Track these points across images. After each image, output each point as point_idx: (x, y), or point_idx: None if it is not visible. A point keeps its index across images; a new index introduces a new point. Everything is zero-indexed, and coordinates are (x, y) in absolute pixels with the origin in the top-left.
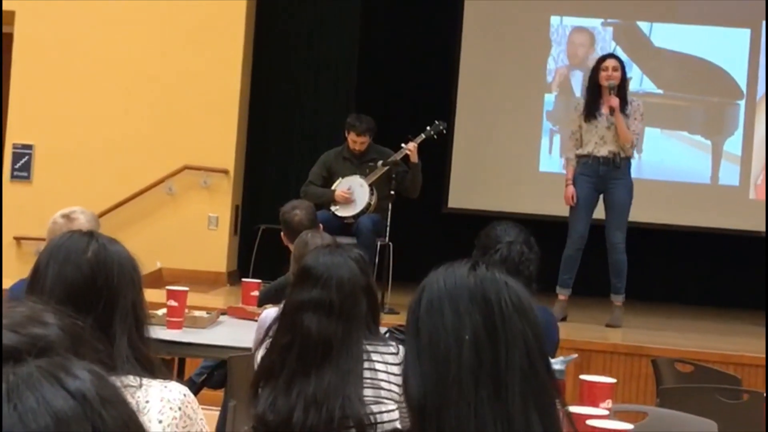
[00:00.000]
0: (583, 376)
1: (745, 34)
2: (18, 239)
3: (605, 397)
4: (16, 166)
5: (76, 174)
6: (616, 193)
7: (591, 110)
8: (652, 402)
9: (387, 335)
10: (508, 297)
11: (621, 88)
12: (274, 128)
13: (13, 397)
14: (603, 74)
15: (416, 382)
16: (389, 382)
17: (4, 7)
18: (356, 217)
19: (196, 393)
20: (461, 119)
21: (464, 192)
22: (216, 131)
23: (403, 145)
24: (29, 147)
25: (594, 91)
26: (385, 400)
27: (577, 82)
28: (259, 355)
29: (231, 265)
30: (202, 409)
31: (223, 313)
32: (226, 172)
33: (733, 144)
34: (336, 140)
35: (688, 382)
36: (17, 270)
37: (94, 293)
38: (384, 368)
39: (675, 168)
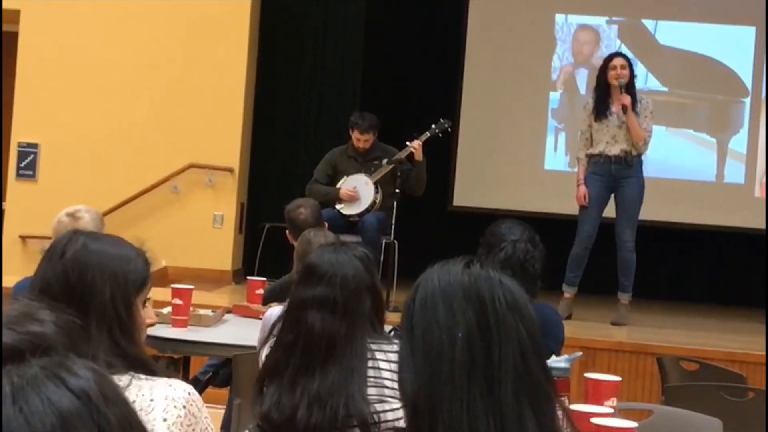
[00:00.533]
0: (587, 374)
1: (750, 31)
2: (23, 238)
3: (610, 395)
4: (22, 165)
5: (81, 172)
6: (627, 191)
7: (601, 109)
8: (657, 400)
9: (392, 333)
10: (502, 295)
11: (630, 86)
12: (279, 126)
13: (18, 399)
14: (612, 73)
15: (409, 378)
16: (393, 381)
17: (10, 6)
18: (361, 215)
19: (201, 391)
20: (466, 117)
21: (469, 190)
22: (221, 130)
23: (408, 143)
24: (34, 146)
25: (603, 90)
26: (389, 399)
27: (582, 80)
28: (264, 353)
29: (236, 263)
30: (207, 407)
31: (228, 312)
32: (231, 170)
33: (738, 142)
34: (341, 138)
35: (693, 380)
36: (23, 268)
37: (67, 291)
38: (388, 366)
39: (680, 166)
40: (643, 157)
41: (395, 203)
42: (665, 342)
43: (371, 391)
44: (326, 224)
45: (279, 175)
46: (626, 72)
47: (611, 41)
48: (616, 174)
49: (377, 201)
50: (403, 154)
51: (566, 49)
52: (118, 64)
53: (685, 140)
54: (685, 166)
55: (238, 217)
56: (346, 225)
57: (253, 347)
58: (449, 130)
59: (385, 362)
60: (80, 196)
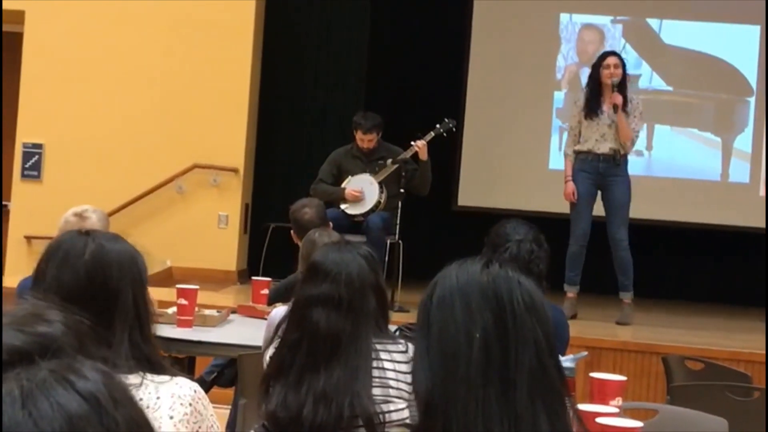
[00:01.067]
0: (593, 374)
1: (754, 30)
2: (28, 238)
3: (615, 395)
4: (27, 166)
5: (86, 173)
6: (615, 191)
7: (592, 107)
8: (663, 399)
9: (397, 333)
10: (520, 296)
11: (622, 86)
12: (283, 127)
13: (28, 403)
14: (605, 72)
15: (424, 376)
16: (398, 380)
17: (15, 7)
18: (366, 215)
19: (206, 391)
20: (471, 117)
21: (474, 190)
22: (226, 130)
23: (412, 142)
24: (39, 146)
25: (595, 88)
26: (395, 399)
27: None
28: (269, 353)
29: (241, 263)
30: (213, 407)
31: (233, 312)
32: (235, 170)
33: (743, 141)
34: (345, 139)
35: (699, 379)
36: (28, 269)
37: (91, 294)
38: (392, 366)
39: (685, 165)
40: (641, 157)
41: (400, 203)
42: (670, 341)
43: (376, 391)
44: (331, 224)
45: (283, 176)
46: (619, 71)
47: (616, 40)
48: (604, 172)
49: (382, 201)
50: (407, 154)
51: (571, 49)
52: (123, 64)
53: (690, 139)
54: (690, 165)
55: (242, 217)
56: (350, 225)
57: (258, 347)
58: (454, 129)
59: (389, 362)
60: (85, 196)
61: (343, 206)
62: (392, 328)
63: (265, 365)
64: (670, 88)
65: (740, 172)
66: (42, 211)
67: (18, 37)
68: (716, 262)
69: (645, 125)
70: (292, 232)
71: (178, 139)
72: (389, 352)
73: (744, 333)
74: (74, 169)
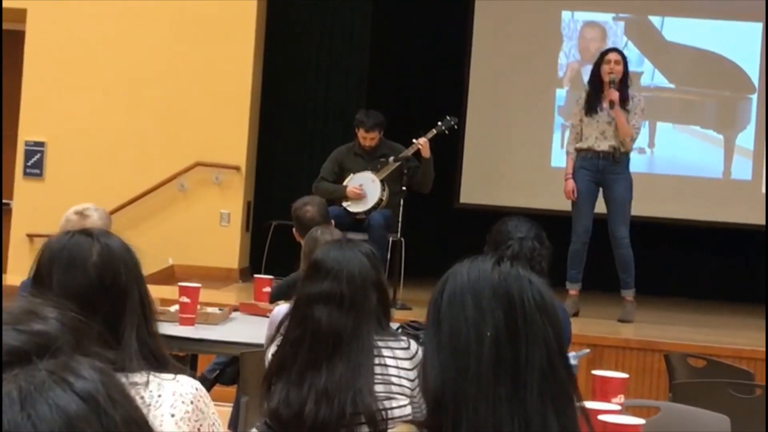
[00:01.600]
0: (595, 372)
1: (756, 28)
2: (30, 236)
3: (617, 392)
4: (29, 164)
5: (88, 171)
6: (616, 189)
7: (592, 104)
8: (665, 397)
9: (399, 331)
10: (531, 295)
11: (622, 83)
12: (285, 124)
13: (26, 405)
14: (605, 67)
15: (434, 373)
16: (400, 377)
17: (16, 5)
18: (368, 212)
19: (208, 389)
20: (473, 114)
21: (476, 187)
22: (228, 128)
23: (414, 140)
24: (41, 144)
25: (596, 86)
26: (397, 396)
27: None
28: (271, 351)
29: (243, 261)
30: (214, 405)
31: (236, 310)
32: (237, 168)
33: (746, 138)
34: (347, 136)
35: (701, 376)
36: (29, 267)
37: (102, 295)
38: (394, 363)
39: (687, 162)
40: (646, 154)
41: (402, 201)
42: (673, 339)
43: (378, 388)
44: (333, 222)
45: (285, 173)
46: (619, 68)
47: (618, 38)
48: (604, 169)
49: (384, 199)
50: (409, 152)
51: (573, 46)
52: (125, 62)
53: (692, 137)
54: (692, 162)
55: (244, 215)
56: (352, 223)
57: (260, 345)
58: (456, 127)
59: (392, 359)
60: (87, 194)
61: (345, 204)
62: (394, 325)
63: (267, 363)
64: (672, 86)
65: (742, 169)
66: (44, 210)
67: (20, 36)
68: (718, 259)
69: (647, 123)
70: (293, 229)
71: (180, 137)
72: (391, 348)
73: (746, 330)
74: (76, 167)
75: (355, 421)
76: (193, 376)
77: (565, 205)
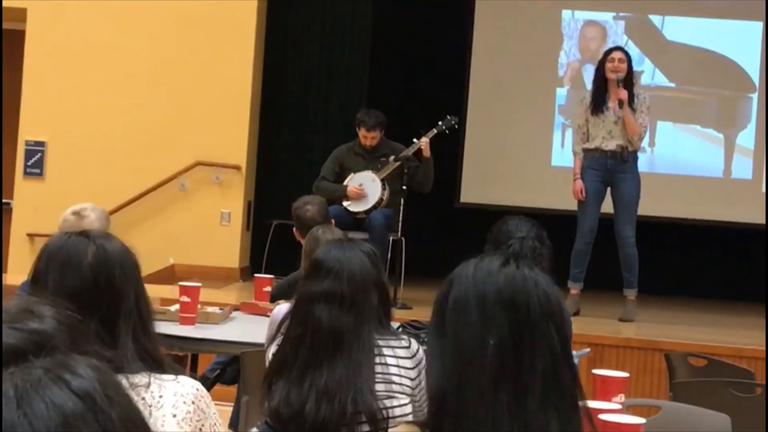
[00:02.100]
0: (595, 371)
1: (757, 27)
2: (31, 236)
3: (618, 392)
4: (29, 163)
5: (89, 170)
6: (624, 188)
7: (598, 104)
8: (666, 396)
9: (400, 330)
10: (537, 300)
11: (627, 81)
12: (286, 124)
13: (23, 403)
14: (609, 66)
15: (437, 377)
16: (401, 377)
17: (17, 5)
18: (368, 212)
19: (209, 389)
20: (473, 114)
21: (476, 187)
22: (228, 127)
23: (415, 140)
24: (42, 144)
25: (600, 85)
26: (397, 395)
27: (589, 76)
28: (272, 350)
29: (243, 260)
30: (215, 404)
31: (236, 309)
32: (238, 168)
33: (746, 137)
34: (348, 136)
35: (702, 376)
36: (30, 267)
37: (96, 296)
38: (395, 362)
39: (687, 162)
40: (644, 153)
41: (402, 200)
42: (673, 338)
43: (379, 387)
44: (333, 221)
45: (286, 173)
46: (624, 66)
47: (618, 37)
48: (612, 169)
49: (384, 198)
50: (410, 151)
51: (573, 45)
52: (125, 62)
53: (693, 136)
54: (693, 161)
55: (245, 214)
56: (353, 222)
57: (260, 344)
58: (456, 126)
59: (392, 358)
60: (88, 194)
61: (345, 203)
62: (395, 325)
63: (267, 362)
64: (672, 85)
65: (743, 168)
66: (44, 209)
67: (20, 35)
68: (719, 258)
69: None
70: (294, 229)
71: (181, 137)
72: (392, 348)
73: (747, 329)
74: (77, 167)
75: (356, 420)
76: (193, 377)
77: (566, 204)
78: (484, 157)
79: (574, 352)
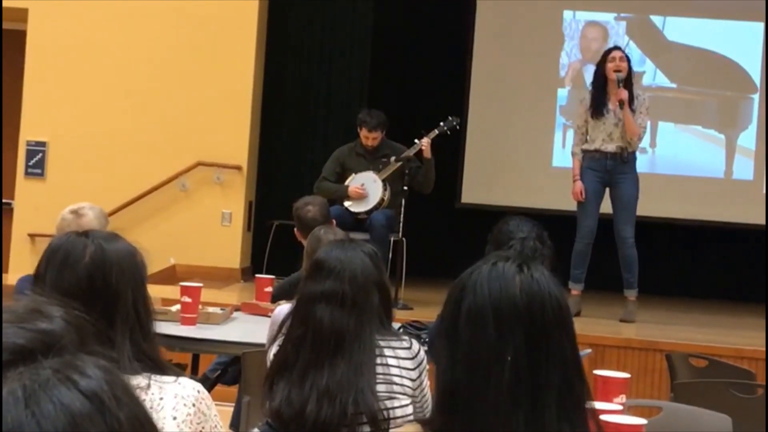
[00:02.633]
0: (596, 371)
1: (758, 27)
2: (32, 236)
3: (619, 392)
4: (30, 163)
5: (90, 171)
6: (623, 188)
7: (598, 106)
8: (667, 397)
9: (401, 330)
10: (551, 311)
11: (627, 81)
12: (287, 124)
13: (31, 403)
14: (610, 65)
15: (448, 388)
16: (402, 377)
17: (18, 5)
18: (369, 212)
19: (210, 389)
20: (474, 114)
21: (477, 187)
22: (229, 127)
23: (416, 140)
24: (43, 144)
25: (600, 86)
26: (399, 395)
27: (590, 77)
28: (273, 351)
29: (244, 261)
30: (216, 405)
31: (237, 309)
32: (239, 168)
33: (747, 138)
34: (349, 136)
35: (702, 376)
36: (31, 267)
37: (92, 296)
38: (396, 363)
39: (688, 162)
40: (645, 154)
41: (403, 201)
42: (674, 339)
43: (380, 387)
44: (334, 222)
45: (287, 173)
46: (625, 65)
47: (619, 38)
48: (612, 170)
49: (385, 198)
50: (411, 152)
51: (574, 46)
52: (126, 62)
53: (694, 137)
54: (694, 162)
55: (246, 214)
56: (354, 223)
57: (262, 345)
58: (457, 127)
59: (393, 359)
60: (89, 194)
61: (346, 204)
62: (396, 325)
63: (268, 363)
64: (673, 85)
65: (744, 169)
66: (46, 209)
67: (21, 35)
68: (720, 259)
69: (648, 122)
70: (295, 229)
71: (182, 137)
72: (393, 348)
73: (748, 330)
74: (78, 167)
75: (357, 421)
76: (195, 377)
77: (567, 205)
78: (485, 158)
79: None
